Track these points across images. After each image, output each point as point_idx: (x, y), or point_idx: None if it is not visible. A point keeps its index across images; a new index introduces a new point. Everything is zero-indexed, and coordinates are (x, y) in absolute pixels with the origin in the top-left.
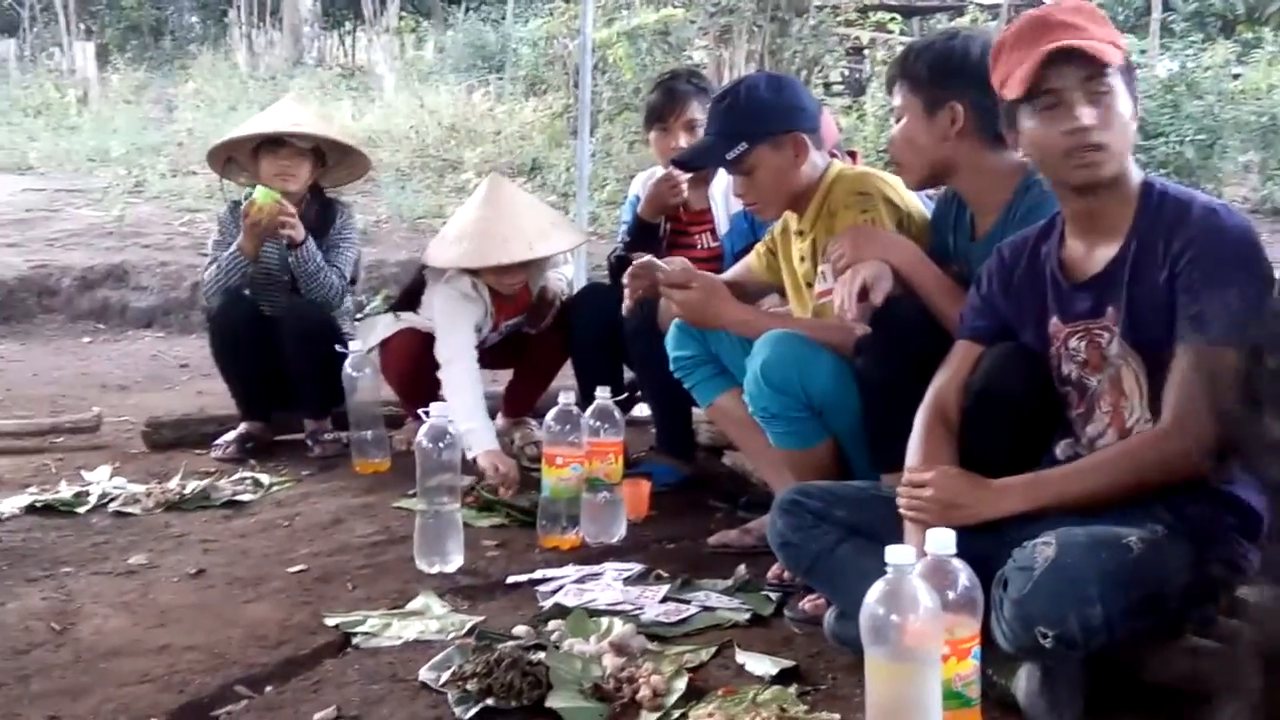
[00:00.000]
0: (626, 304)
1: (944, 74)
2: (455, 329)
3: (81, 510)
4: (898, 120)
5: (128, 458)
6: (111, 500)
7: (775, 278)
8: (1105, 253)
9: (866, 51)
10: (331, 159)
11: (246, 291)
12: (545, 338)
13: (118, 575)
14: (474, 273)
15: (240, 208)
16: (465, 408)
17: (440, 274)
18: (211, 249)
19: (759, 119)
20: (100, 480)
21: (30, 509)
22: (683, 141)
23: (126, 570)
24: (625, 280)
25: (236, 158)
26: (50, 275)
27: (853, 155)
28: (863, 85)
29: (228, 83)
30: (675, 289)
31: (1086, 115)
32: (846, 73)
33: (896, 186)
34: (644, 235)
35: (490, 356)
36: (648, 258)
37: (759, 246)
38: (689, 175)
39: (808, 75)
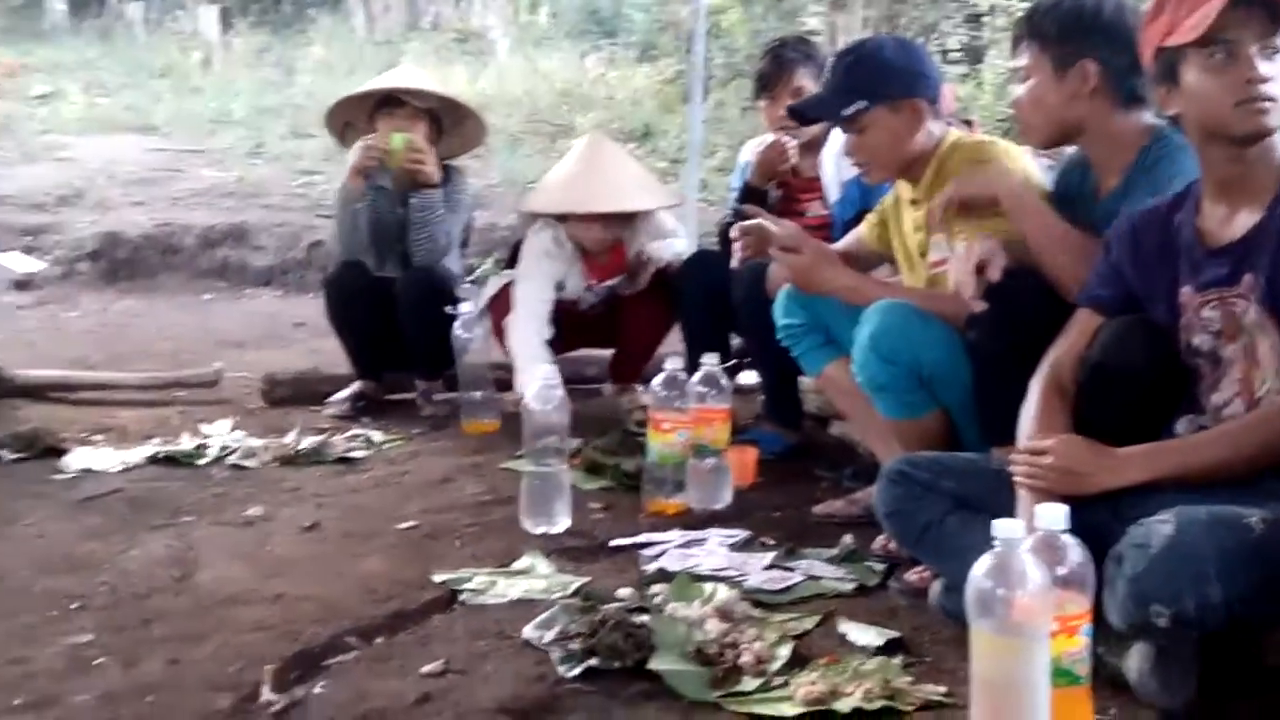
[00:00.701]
0: (735, 261)
1: (1075, 31)
2: (527, 277)
3: (201, 462)
4: (1024, 80)
5: (246, 412)
6: (230, 453)
7: (886, 248)
8: (1247, 219)
9: (985, 18)
10: (447, 124)
11: (364, 256)
12: (649, 305)
13: (235, 526)
14: (561, 222)
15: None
16: (520, 355)
17: (531, 223)
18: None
19: (881, 80)
20: (219, 434)
21: (153, 460)
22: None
23: (244, 521)
24: (734, 237)
25: (354, 122)
26: (173, 234)
27: (969, 124)
28: (981, 53)
29: (345, 47)
30: (785, 252)
31: (1263, 67)
32: (965, 39)
33: (1017, 155)
34: (752, 202)
35: (592, 330)
36: (757, 220)
37: (870, 217)
38: (796, 142)
39: (924, 42)
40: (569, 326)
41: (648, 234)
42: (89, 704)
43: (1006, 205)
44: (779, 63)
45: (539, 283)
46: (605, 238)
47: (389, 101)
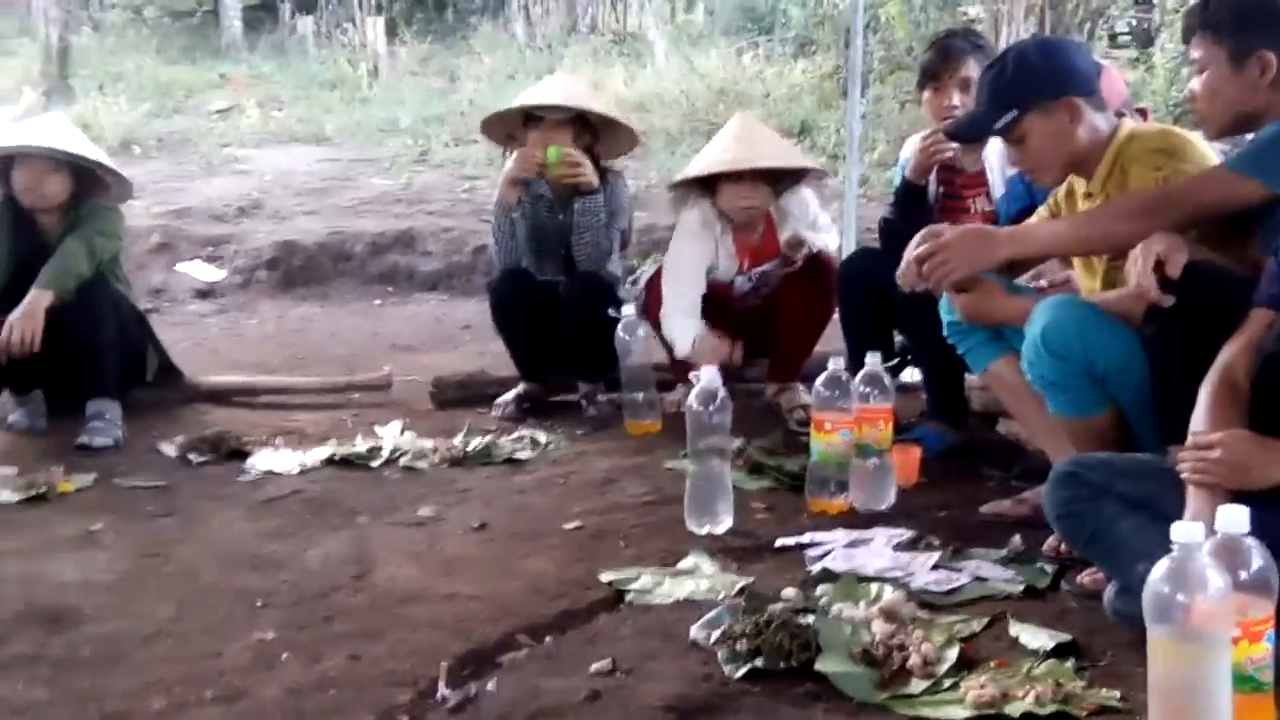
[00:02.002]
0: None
1: (1250, 21)
2: (677, 257)
3: (375, 464)
4: (1200, 72)
5: (416, 415)
6: (402, 455)
7: None
8: None
9: (1155, 0)
10: (602, 130)
11: (524, 262)
12: (804, 299)
13: (408, 526)
14: (711, 196)
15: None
16: (672, 316)
17: (684, 204)
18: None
19: (1027, 86)
20: (392, 436)
21: (329, 461)
22: (956, 99)
23: (416, 521)
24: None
25: (515, 130)
26: (345, 241)
27: (1143, 113)
28: (1151, 36)
29: (506, 52)
30: (958, 293)
31: None
32: (1134, 23)
33: (1197, 145)
34: (911, 198)
35: (749, 327)
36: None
37: (1041, 210)
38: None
39: (1091, 27)
40: (726, 325)
41: (800, 220)
42: (275, 698)
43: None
44: (946, 53)
45: (689, 261)
46: (756, 205)
47: (539, 113)
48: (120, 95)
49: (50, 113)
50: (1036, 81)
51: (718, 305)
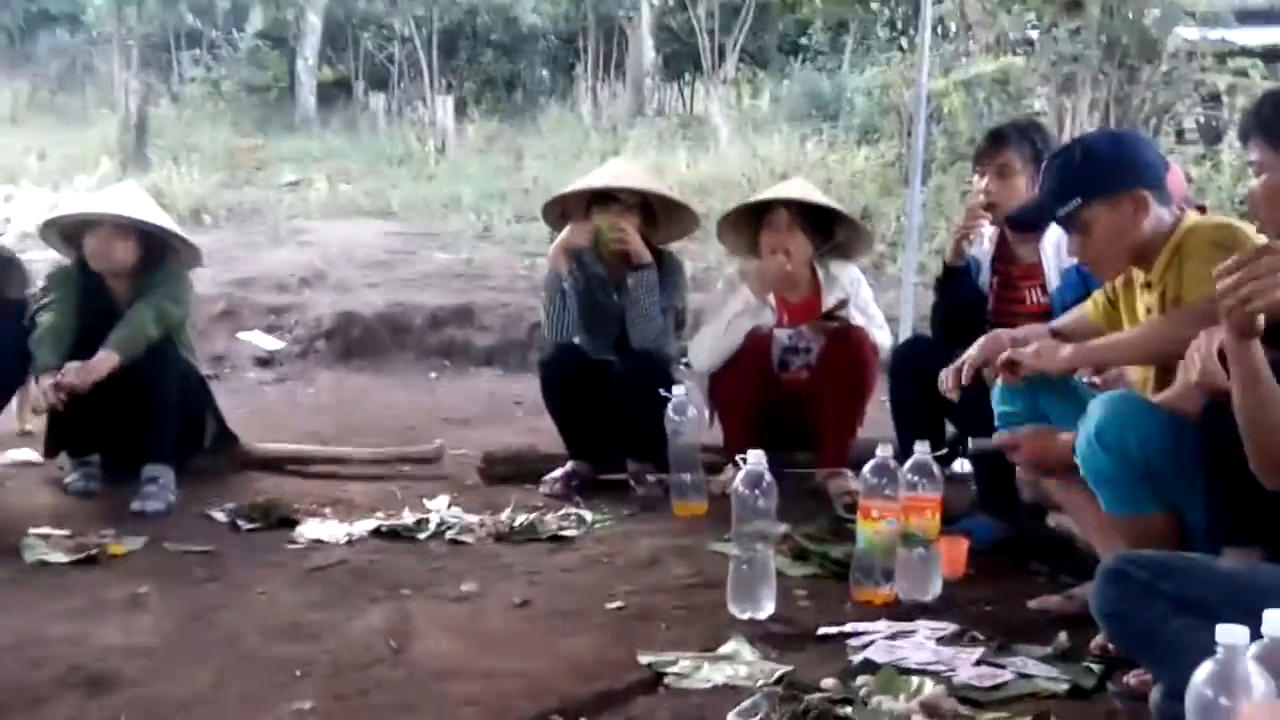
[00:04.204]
0: (949, 379)
1: None
2: (715, 310)
3: (421, 536)
4: (1257, 175)
5: (464, 488)
6: (448, 528)
7: (1113, 327)
8: None
9: (1225, 97)
10: (661, 212)
11: (576, 339)
12: (842, 368)
13: (451, 600)
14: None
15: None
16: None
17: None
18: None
19: (1095, 176)
20: (439, 509)
21: (376, 532)
22: (991, 185)
23: (459, 596)
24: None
25: (571, 214)
26: (405, 314)
27: (1202, 209)
28: (1219, 133)
29: (572, 133)
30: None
31: None
32: (1201, 120)
33: (1255, 239)
34: (950, 281)
35: (791, 411)
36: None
37: (1097, 295)
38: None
39: (1158, 123)
40: (772, 409)
41: (850, 296)
42: None
43: None
44: (991, 138)
45: (729, 311)
46: (789, 251)
47: (603, 196)
48: (194, 166)
49: (125, 181)
50: (1104, 171)
51: (766, 386)
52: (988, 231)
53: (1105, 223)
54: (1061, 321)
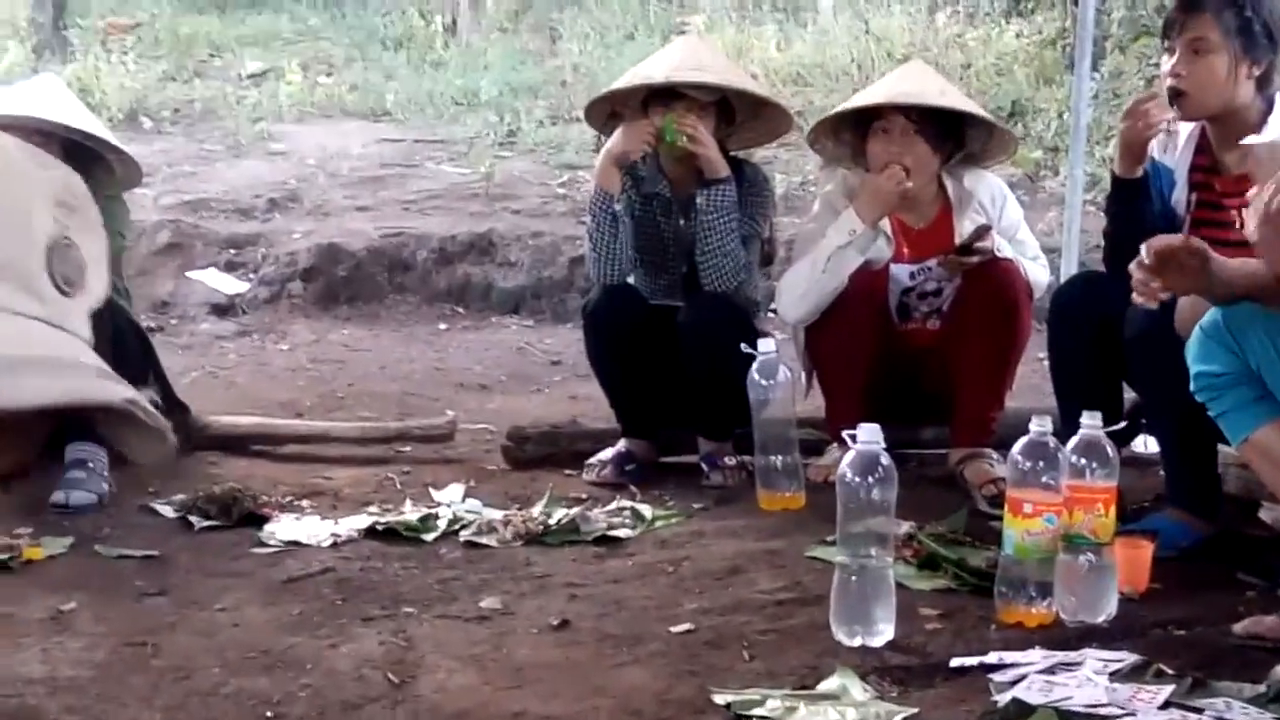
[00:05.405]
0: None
1: None
2: (811, 233)
3: (428, 537)
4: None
5: (484, 475)
6: (463, 527)
7: None
8: None
9: None
10: (741, 114)
11: (631, 279)
12: (986, 318)
13: (467, 621)
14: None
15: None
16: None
17: (832, 174)
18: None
19: None
20: (451, 501)
21: (370, 532)
22: (1181, 67)
23: (478, 615)
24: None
25: (622, 113)
26: (404, 246)
27: None
28: None
29: (623, 3)
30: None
31: None
32: None
33: None
34: (1121, 197)
35: (918, 372)
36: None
37: None
38: (1172, 112)
39: None
40: (894, 377)
41: (990, 216)
42: None
43: None
44: (1183, 4)
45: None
46: (906, 164)
47: (665, 90)
48: (129, 53)
49: (40, 75)
50: None
51: (882, 340)
52: (1184, 130)
53: None
54: None
